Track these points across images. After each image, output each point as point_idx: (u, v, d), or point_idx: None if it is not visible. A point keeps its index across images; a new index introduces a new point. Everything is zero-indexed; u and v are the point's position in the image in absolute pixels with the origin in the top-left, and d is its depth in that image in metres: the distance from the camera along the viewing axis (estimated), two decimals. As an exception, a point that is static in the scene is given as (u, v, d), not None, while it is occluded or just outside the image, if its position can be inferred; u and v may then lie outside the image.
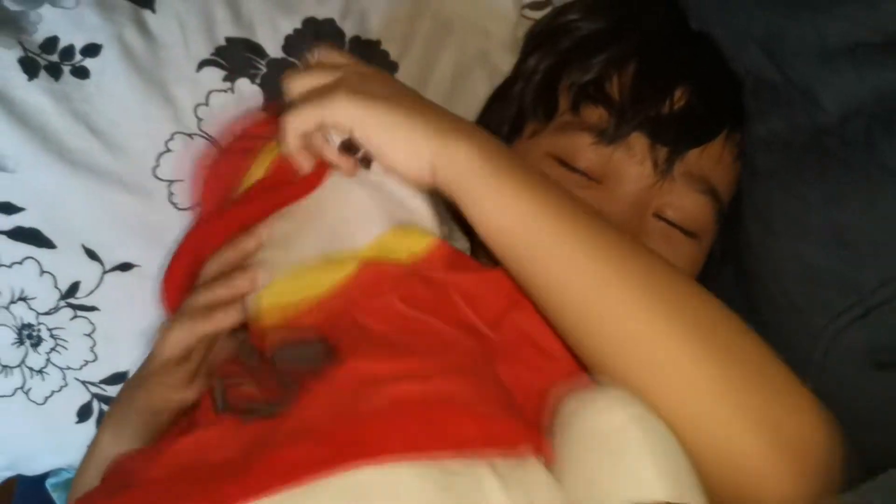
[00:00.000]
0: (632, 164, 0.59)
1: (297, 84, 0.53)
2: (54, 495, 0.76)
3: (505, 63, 0.72)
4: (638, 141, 0.59)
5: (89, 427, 0.68)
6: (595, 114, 0.60)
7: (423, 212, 0.54)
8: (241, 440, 0.44)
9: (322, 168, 0.55)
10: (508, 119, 0.66)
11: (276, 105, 0.64)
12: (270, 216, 0.56)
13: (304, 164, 0.55)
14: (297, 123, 0.52)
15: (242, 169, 0.59)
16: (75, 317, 0.66)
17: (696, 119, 0.60)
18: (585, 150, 0.60)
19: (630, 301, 0.44)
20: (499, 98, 0.70)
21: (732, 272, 0.68)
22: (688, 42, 0.65)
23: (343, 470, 0.40)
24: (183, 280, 0.58)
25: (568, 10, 0.70)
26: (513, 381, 0.48)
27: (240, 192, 0.59)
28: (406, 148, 0.49)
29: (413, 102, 0.51)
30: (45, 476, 0.76)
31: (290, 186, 0.56)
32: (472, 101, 0.72)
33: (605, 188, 0.60)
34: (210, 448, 0.44)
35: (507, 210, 0.47)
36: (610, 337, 0.45)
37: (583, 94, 0.61)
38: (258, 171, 0.58)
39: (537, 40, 0.70)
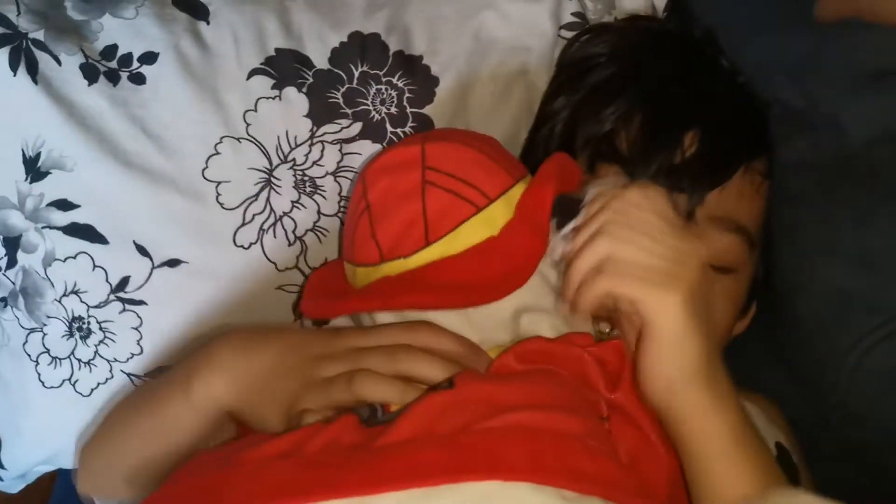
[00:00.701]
0: None
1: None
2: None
3: (542, 81, 0.74)
4: None
5: (130, 420, 0.70)
6: (611, 170, 0.62)
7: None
8: (363, 437, 0.46)
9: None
10: (537, 165, 0.68)
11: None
12: None
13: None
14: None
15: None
16: (124, 310, 0.68)
17: (709, 162, 0.62)
18: None
19: None
20: (530, 143, 0.72)
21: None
22: (701, 79, 0.66)
23: (473, 480, 0.43)
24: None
25: (594, 41, 0.72)
26: (618, 437, 0.50)
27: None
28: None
29: None
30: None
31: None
32: (511, 118, 0.74)
33: None
34: (335, 438, 0.46)
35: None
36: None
37: (596, 152, 0.64)
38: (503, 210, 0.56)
39: (563, 75, 0.72)
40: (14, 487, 0.77)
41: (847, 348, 0.60)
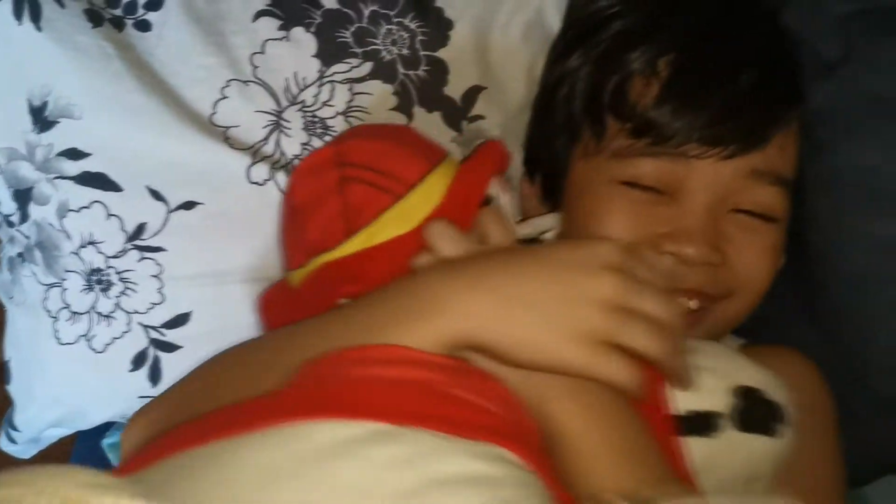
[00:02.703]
0: (695, 177, 0.60)
1: None
2: (110, 455, 0.76)
3: (557, 24, 0.73)
4: (696, 150, 0.59)
5: (141, 376, 0.69)
6: (644, 128, 0.60)
7: None
8: None
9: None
10: (558, 129, 0.67)
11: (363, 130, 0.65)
12: None
13: None
14: None
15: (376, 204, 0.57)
16: (142, 258, 0.67)
17: (754, 118, 0.60)
18: (647, 174, 0.60)
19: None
20: (545, 105, 0.70)
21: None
22: (736, 22, 0.64)
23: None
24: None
25: None
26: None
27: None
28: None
29: None
30: (100, 435, 0.77)
31: None
32: (529, 62, 0.72)
33: (677, 203, 0.60)
34: None
35: None
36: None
37: (629, 111, 0.61)
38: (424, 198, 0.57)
39: (574, 32, 0.70)
40: (27, 452, 0.76)
41: (887, 301, 0.59)
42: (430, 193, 0.57)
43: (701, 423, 0.53)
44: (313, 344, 0.48)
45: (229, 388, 0.50)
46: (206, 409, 0.47)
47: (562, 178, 0.66)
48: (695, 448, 0.52)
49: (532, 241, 0.60)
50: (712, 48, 0.62)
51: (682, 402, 0.53)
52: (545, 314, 0.46)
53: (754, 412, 0.53)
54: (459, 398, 0.46)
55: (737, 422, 0.53)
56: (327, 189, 0.58)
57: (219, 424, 0.45)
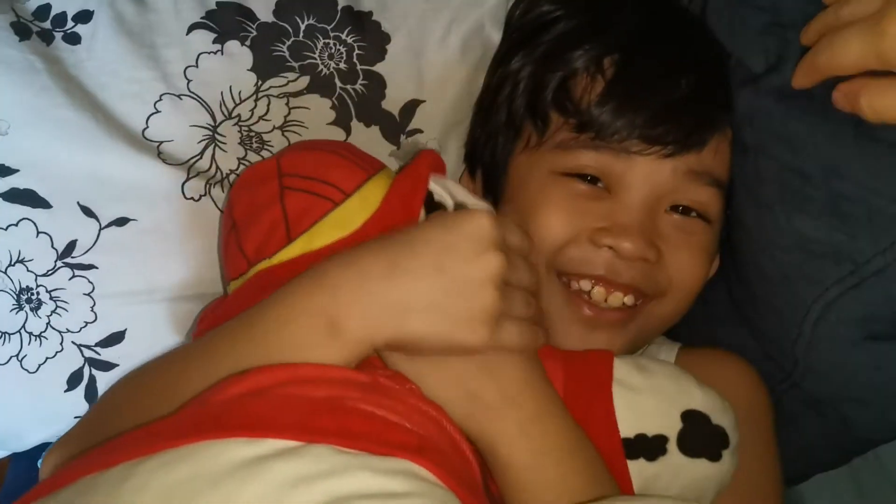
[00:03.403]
0: (635, 173, 0.61)
1: None
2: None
3: (498, 36, 0.73)
4: (637, 147, 0.60)
5: (77, 396, 0.67)
6: (588, 124, 0.61)
7: None
8: None
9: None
10: (500, 128, 0.68)
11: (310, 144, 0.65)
12: None
13: None
14: None
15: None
16: (74, 276, 0.66)
17: (693, 120, 0.62)
18: (588, 167, 0.61)
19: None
20: (487, 107, 0.70)
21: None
22: (672, 27, 0.66)
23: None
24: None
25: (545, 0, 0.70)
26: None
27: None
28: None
29: None
30: (37, 457, 0.76)
31: None
32: (467, 75, 0.73)
33: (615, 198, 0.61)
34: None
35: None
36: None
37: (572, 107, 0.62)
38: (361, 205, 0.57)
39: (516, 36, 0.71)
40: (-40, 475, 0.74)
41: (812, 299, 0.60)
42: (367, 200, 0.57)
43: (647, 447, 0.53)
44: (207, 365, 0.50)
45: (136, 412, 0.51)
46: (116, 433, 0.47)
47: (502, 174, 0.67)
48: (638, 471, 0.53)
49: None
50: (654, 51, 0.64)
51: (630, 424, 0.54)
52: (441, 312, 0.48)
53: (700, 438, 0.54)
54: (370, 413, 0.46)
55: (682, 446, 0.53)
56: (267, 199, 0.58)
57: (122, 447, 0.44)
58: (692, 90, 0.62)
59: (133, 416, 0.49)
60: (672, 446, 0.53)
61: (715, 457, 0.54)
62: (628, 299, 0.61)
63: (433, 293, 0.48)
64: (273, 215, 0.57)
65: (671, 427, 0.54)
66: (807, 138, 0.59)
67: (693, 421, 0.54)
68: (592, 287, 0.61)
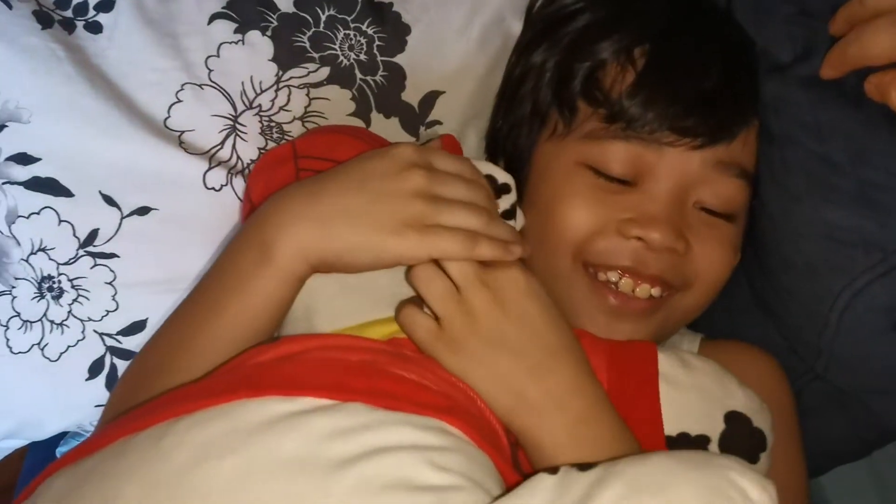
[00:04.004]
0: (664, 164, 0.60)
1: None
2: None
3: (518, 28, 0.73)
4: (668, 138, 0.60)
5: (97, 386, 0.68)
6: (618, 114, 0.61)
7: None
8: None
9: None
10: (525, 118, 0.67)
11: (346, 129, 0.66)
12: None
13: None
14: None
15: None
16: (95, 265, 0.66)
17: (724, 112, 0.61)
18: (617, 156, 0.61)
19: None
20: (509, 98, 0.70)
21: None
22: (701, 17, 0.65)
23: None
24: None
25: None
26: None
27: None
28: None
29: None
30: (55, 445, 0.76)
31: None
32: (487, 66, 0.73)
33: (641, 189, 0.61)
34: None
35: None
36: None
37: (602, 97, 0.62)
38: None
39: (539, 28, 0.70)
40: (-24, 466, 0.74)
41: (840, 289, 0.60)
42: None
43: (689, 446, 0.53)
44: (201, 313, 0.56)
45: (168, 372, 0.55)
46: (151, 396, 0.50)
47: (526, 164, 0.67)
48: None
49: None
50: (685, 41, 0.64)
51: (673, 422, 0.53)
52: (366, 218, 0.51)
53: (741, 440, 0.54)
54: (401, 377, 0.47)
55: (724, 448, 0.53)
56: (285, 181, 0.59)
57: (155, 410, 0.45)
58: (723, 81, 0.62)
59: (166, 378, 0.53)
60: (714, 447, 0.53)
61: (754, 459, 0.53)
62: (655, 291, 0.61)
63: (357, 204, 0.51)
64: None
65: (714, 428, 0.53)
66: (836, 126, 0.59)
67: (735, 423, 0.54)
68: (620, 278, 0.61)
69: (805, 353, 0.65)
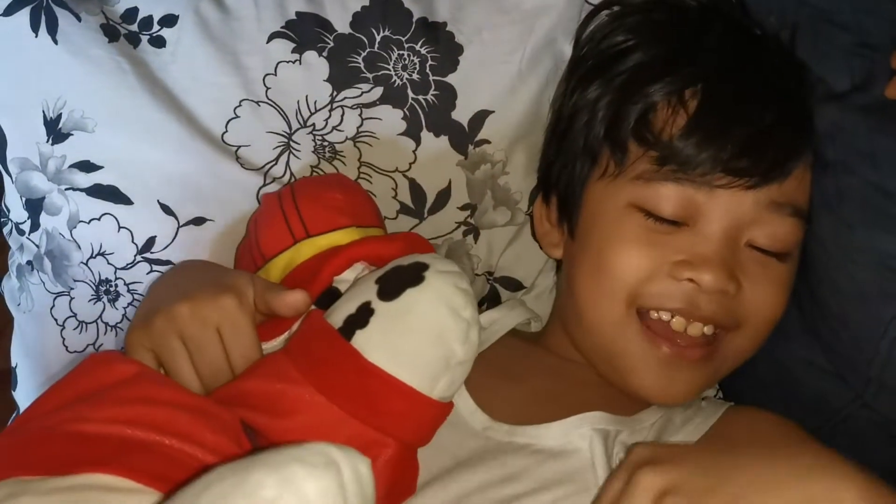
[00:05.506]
0: (717, 205, 0.60)
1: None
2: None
3: (569, 50, 0.73)
4: (721, 181, 0.59)
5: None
6: (670, 157, 0.60)
7: None
8: None
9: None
10: (576, 156, 0.67)
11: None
12: None
13: None
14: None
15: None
16: (151, 271, 0.69)
17: (777, 152, 0.60)
18: (668, 199, 0.60)
19: None
20: (561, 134, 0.69)
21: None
22: (758, 61, 0.64)
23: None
24: None
25: (614, 26, 0.69)
26: None
27: None
28: None
29: None
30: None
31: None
32: (538, 87, 0.73)
33: (693, 231, 0.60)
34: None
35: None
36: None
37: (653, 139, 0.61)
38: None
39: (591, 66, 0.69)
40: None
41: (890, 317, 0.59)
42: (317, 245, 0.59)
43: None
44: None
45: None
46: None
47: (578, 201, 0.67)
48: None
49: None
50: (737, 81, 0.63)
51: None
52: None
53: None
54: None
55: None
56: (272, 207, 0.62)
57: None
58: (776, 120, 0.61)
59: None
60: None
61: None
62: (708, 329, 0.61)
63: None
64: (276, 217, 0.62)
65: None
66: (892, 155, 0.58)
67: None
68: (672, 317, 0.61)
69: (854, 380, 0.64)
